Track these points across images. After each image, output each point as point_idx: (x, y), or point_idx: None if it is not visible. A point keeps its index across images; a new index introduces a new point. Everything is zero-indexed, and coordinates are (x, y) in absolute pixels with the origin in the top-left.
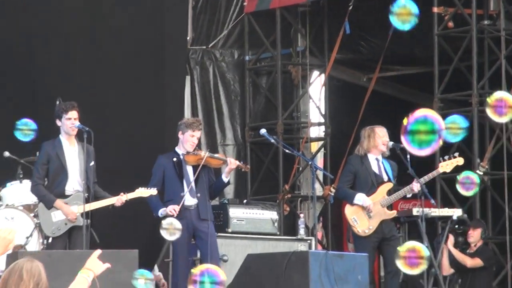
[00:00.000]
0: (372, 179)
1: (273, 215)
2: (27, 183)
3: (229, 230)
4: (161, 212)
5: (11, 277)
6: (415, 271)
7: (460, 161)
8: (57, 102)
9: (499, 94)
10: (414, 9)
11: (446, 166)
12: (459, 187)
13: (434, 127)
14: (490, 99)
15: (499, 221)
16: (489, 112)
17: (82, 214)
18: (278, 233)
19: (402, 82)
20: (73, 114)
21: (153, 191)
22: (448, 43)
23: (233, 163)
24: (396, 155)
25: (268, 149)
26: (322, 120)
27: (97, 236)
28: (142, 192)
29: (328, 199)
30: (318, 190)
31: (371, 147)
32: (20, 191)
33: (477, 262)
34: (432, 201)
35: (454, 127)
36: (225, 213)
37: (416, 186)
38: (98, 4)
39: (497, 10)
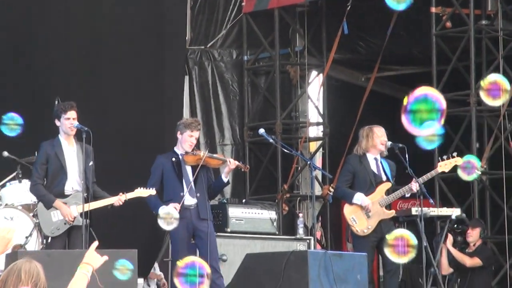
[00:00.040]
0: (370, 179)
1: (272, 214)
2: (26, 183)
3: (228, 229)
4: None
5: (10, 278)
6: (403, 260)
7: (458, 161)
8: (56, 102)
9: (493, 77)
10: None
11: (444, 165)
12: (460, 172)
13: (435, 106)
14: (484, 82)
15: (497, 220)
16: (483, 95)
17: (81, 214)
18: (277, 232)
19: (400, 82)
20: (72, 114)
21: (152, 191)
22: (446, 43)
23: (232, 163)
24: (394, 154)
25: (266, 149)
26: (321, 120)
27: (96, 236)
28: (141, 192)
29: (327, 198)
30: (317, 189)
31: (369, 146)
32: (20, 191)
33: (476, 261)
34: (431, 201)
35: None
36: (224, 213)
37: (415, 185)
38: (98, 4)
39: (495, 10)
